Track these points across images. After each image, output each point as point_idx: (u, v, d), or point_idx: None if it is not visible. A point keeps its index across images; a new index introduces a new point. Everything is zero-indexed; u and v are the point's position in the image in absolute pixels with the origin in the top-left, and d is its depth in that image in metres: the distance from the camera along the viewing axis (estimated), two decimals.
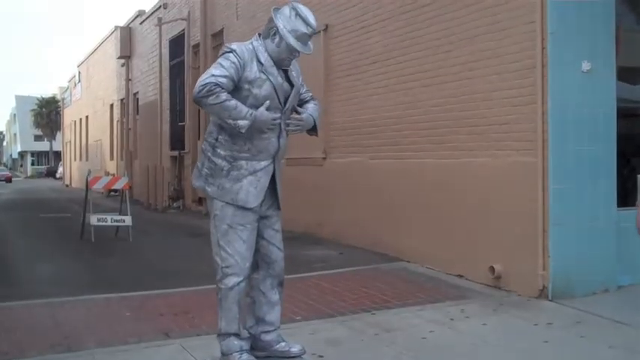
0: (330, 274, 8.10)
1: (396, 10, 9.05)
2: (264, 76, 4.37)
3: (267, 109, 4.34)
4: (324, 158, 11.08)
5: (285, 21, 4.37)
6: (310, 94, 4.86)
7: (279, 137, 4.48)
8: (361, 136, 9.97)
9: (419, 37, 8.52)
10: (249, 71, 4.36)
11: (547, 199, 6.52)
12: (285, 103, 4.47)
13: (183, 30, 19.79)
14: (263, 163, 4.45)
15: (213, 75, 4.28)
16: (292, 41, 4.34)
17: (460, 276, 7.56)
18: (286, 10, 4.41)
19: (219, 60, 4.39)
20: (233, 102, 4.26)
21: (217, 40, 16.87)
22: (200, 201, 17.14)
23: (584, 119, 6.62)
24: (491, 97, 7.24)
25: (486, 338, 5.38)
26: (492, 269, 6.99)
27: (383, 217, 9.26)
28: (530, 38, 6.66)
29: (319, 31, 11.09)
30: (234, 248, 4.41)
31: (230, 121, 4.29)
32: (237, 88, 4.36)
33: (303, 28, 4.35)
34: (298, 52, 4.41)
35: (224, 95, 4.24)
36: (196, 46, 18.34)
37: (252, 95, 4.36)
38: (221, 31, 16.69)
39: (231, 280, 4.42)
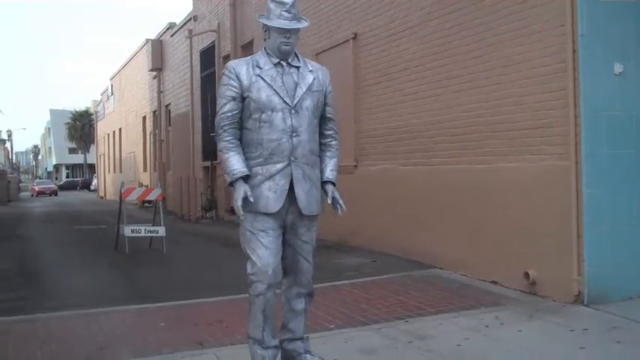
0: (363, 281, 8.08)
1: (424, 17, 9.04)
2: (258, 79, 4.37)
3: (270, 124, 4.32)
4: (356, 166, 11.08)
5: (266, 14, 4.42)
6: (331, 119, 4.67)
7: (291, 136, 4.34)
8: (392, 143, 9.95)
9: (448, 44, 8.50)
10: (245, 79, 4.37)
11: (581, 204, 6.44)
12: (292, 98, 4.38)
13: (214, 41, 19.98)
14: (279, 166, 4.33)
15: (217, 112, 4.43)
16: (275, 22, 4.35)
17: (494, 282, 7.51)
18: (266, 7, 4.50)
19: (220, 88, 4.47)
20: (225, 155, 4.35)
21: (247, 51, 16.94)
22: (233, 211, 17.19)
23: (618, 122, 6.54)
24: (523, 101, 7.18)
25: (522, 345, 5.32)
26: (527, 275, 6.93)
27: (415, 224, 9.23)
28: (561, 41, 6.60)
29: (348, 40, 11.15)
30: (257, 255, 4.32)
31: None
32: (242, 98, 4.38)
33: (280, 7, 4.36)
34: (288, 30, 4.35)
35: (222, 144, 4.37)
36: (227, 57, 18.45)
37: (252, 100, 4.35)
38: (251, 42, 16.79)
39: (257, 288, 4.32)
